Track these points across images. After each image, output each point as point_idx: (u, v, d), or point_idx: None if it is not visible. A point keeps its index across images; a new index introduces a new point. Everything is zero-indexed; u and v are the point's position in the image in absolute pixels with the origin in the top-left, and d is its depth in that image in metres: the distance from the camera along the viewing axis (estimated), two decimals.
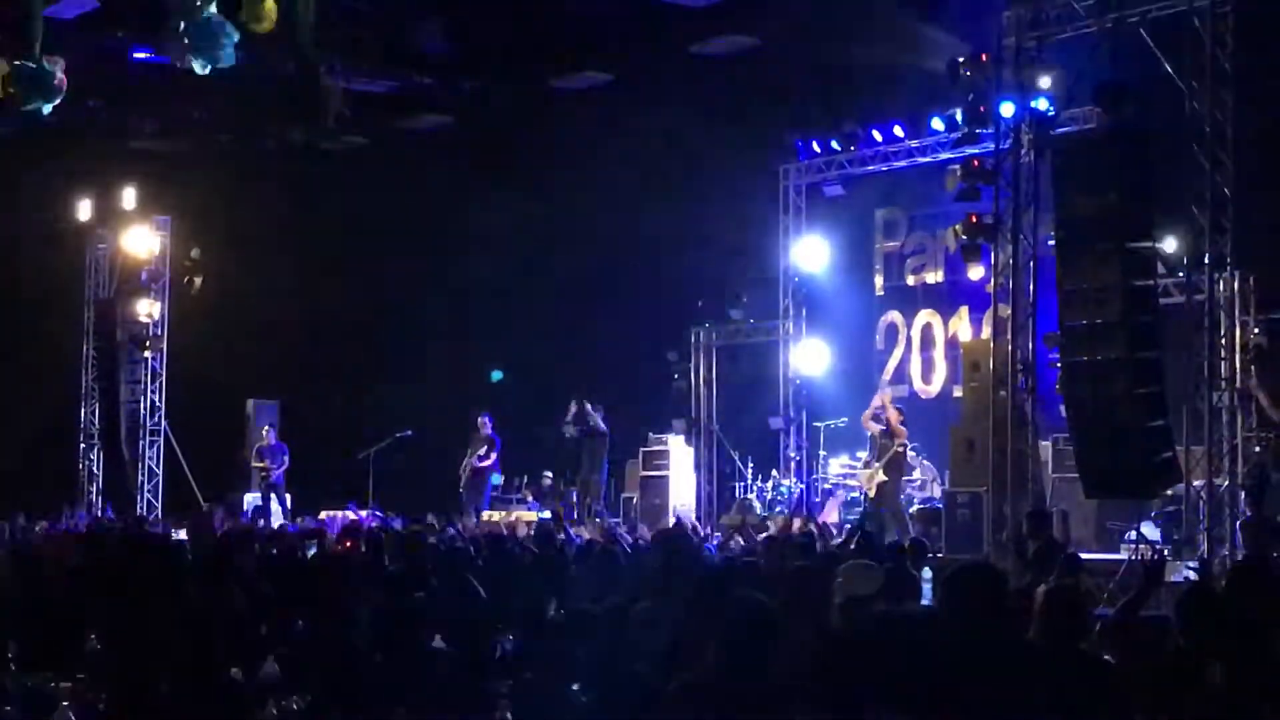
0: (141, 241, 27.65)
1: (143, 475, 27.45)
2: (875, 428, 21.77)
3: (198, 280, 27.13)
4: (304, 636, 10.08)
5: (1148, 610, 9.60)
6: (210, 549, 13.43)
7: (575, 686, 8.54)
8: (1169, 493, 17.66)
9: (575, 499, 25.85)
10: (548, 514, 24.23)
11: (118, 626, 10.65)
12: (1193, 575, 14.72)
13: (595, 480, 25.98)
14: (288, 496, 26.35)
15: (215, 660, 8.31)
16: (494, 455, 25.95)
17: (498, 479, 26.41)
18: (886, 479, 21.32)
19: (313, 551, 14.41)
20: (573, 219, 26.14)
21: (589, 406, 25.63)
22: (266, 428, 26.97)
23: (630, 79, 24.38)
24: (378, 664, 9.44)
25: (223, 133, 26.88)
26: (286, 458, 26.29)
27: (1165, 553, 16.67)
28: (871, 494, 21.62)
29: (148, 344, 27.50)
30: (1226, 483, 16.77)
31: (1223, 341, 17.25)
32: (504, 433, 26.30)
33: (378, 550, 14.18)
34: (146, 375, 27.85)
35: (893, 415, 21.63)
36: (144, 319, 27.59)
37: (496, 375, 27.48)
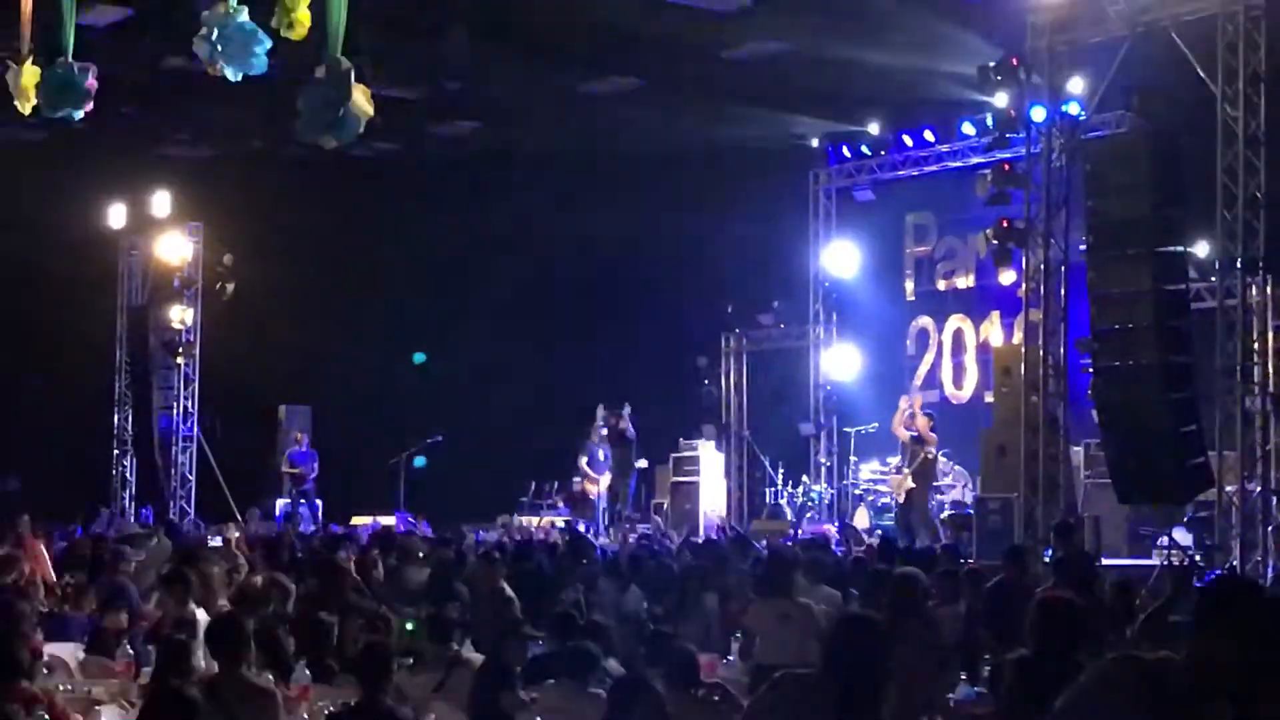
0: (174, 248, 27.74)
1: (175, 481, 27.54)
2: (905, 435, 21.74)
3: (230, 286, 27.23)
4: (335, 644, 10.11)
5: (1179, 616, 9.60)
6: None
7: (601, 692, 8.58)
8: (1201, 498, 17.58)
9: (604, 505, 25.85)
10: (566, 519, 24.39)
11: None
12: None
13: (624, 486, 25.99)
14: (319, 502, 26.41)
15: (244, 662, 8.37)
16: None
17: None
18: (915, 486, 21.31)
19: (345, 553, 14.44)
20: (602, 225, 26.15)
21: (618, 413, 25.63)
22: (299, 434, 27.04)
23: (660, 84, 24.36)
24: (409, 671, 9.47)
25: (254, 139, 26.95)
26: (316, 464, 26.35)
27: (1197, 558, 16.70)
28: (901, 500, 21.61)
29: (180, 350, 27.58)
30: (1259, 488, 16.69)
31: (1255, 345, 17.15)
32: (536, 439, 26.32)
33: (408, 558, 14.22)
34: (179, 381, 27.95)
35: (922, 422, 21.61)
36: (176, 325, 27.68)
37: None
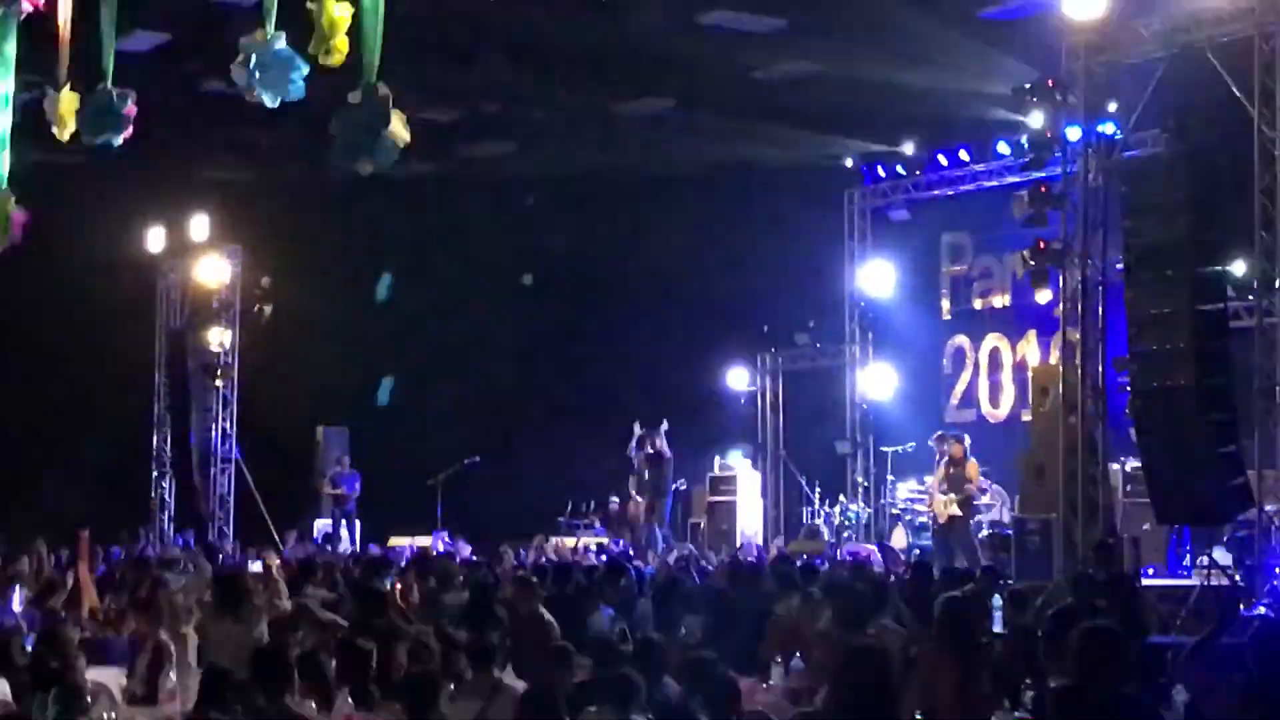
0: (212, 271, 27.88)
1: (214, 503, 27.65)
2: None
3: (268, 309, 27.36)
4: (376, 670, 10.12)
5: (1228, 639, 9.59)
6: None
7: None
8: (1241, 517, 17.50)
9: (641, 525, 25.87)
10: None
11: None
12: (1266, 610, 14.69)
13: (660, 505, 25.98)
14: (358, 524, 26.50)
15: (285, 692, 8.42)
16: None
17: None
18: (961, 514, 21.26)
19: (389, 579, 14.48)
20: (637, 245, 26.21)
21: (653, 431, 25.64)
22: (341, 455, 27.14)
23: (693, 104, 24.42)
24: (450, 696, 9.49)
25: (292, 162, 27.07)
26: (359, 485, 26.45)
27: (1238, 579, 16.63)
28: (943, 521, 21.56)
29: (219, 373, 27.71)
30: None
31: None
32: (573, 459, 26.38)
33: (447, 581, 14.24)
34: (218, 404, 28.08)
35: (972, 469, 21.54)
36: (215, 348, 27.80)
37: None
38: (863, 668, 6.81)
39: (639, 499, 25.73)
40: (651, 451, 25.66)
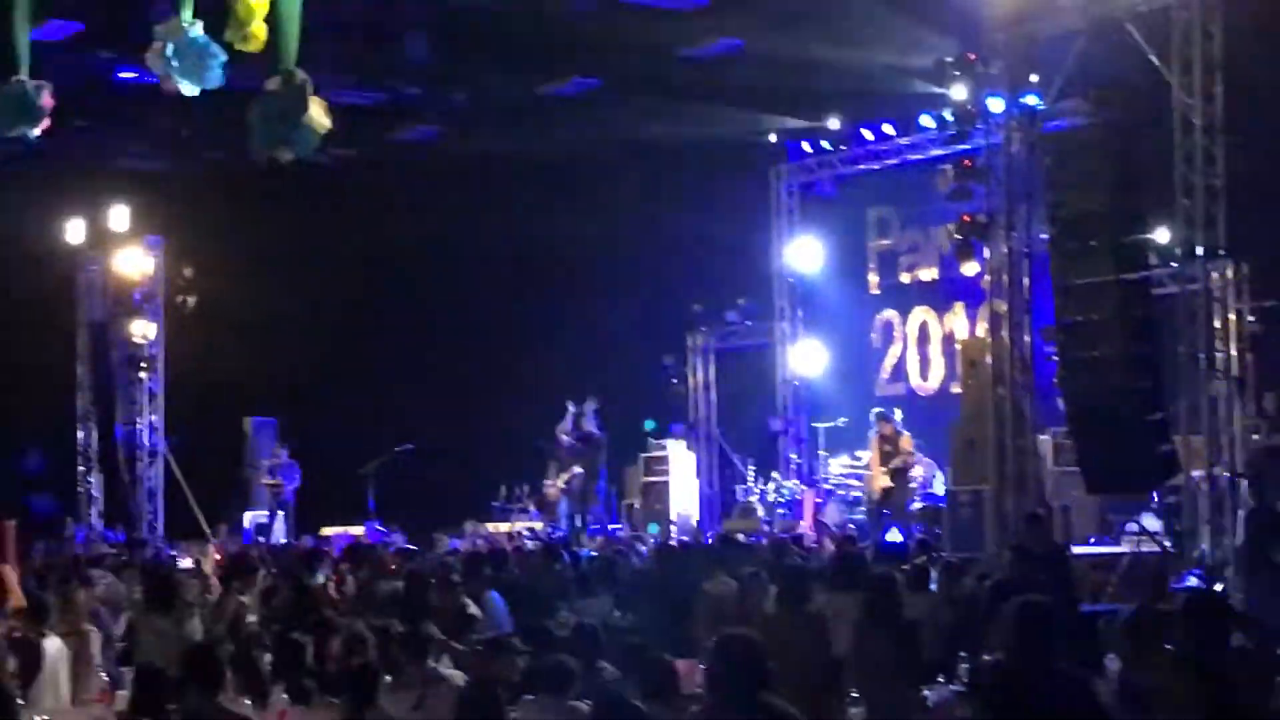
0: (134, 262, 27.56)
1: (142, 496, 27.39)
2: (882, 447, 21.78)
3: (191, 299, 27.07)
4: (312, 663, 10.03)
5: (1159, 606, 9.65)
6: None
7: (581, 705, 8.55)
8: (1169, 483, 17.65)
9: (575, 509, 25.81)
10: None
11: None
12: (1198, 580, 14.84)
13: (593, 487, 25.92)
14: (291, 515, 26.31)
15: (219, 688, 8.32)
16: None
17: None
18: (894, 485, 21.38)
19: (322, 573, 14.37)
20: (563, 226, 26.10)
21: (585, 411, 25.57)
22: (279, 447, 26.94)
23: (619, 84, 24.34)
24: (387, 688, 9.41)
25: (212, 150, 26.81)
26: (298, 476, 26.27)
27: (1168, 546, 16.78)
28: (875, 498, 21.67)
29: (143, 365, 27.42)
30: (1226, 473, 16.76)
31: (1218, 331, 17.20)
32: (506, 442, 26.28)
33: (380, 571, 14.15)
34: (144, 397, 27.79)
35: (905, 442, 21.66)
36: (139, 340, 27.50)
37: (650, 425, 27.24)
38: (735, 655, 6.81)
39: (556, 482, 25.73)
40: (583, 432, 25.58)
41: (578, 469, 25.41)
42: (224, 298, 26.98)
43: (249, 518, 26.86)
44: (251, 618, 12.38)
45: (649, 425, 26.88)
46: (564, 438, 25.64)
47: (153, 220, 27.72)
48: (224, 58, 9.16)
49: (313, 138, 8.85)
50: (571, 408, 25.62)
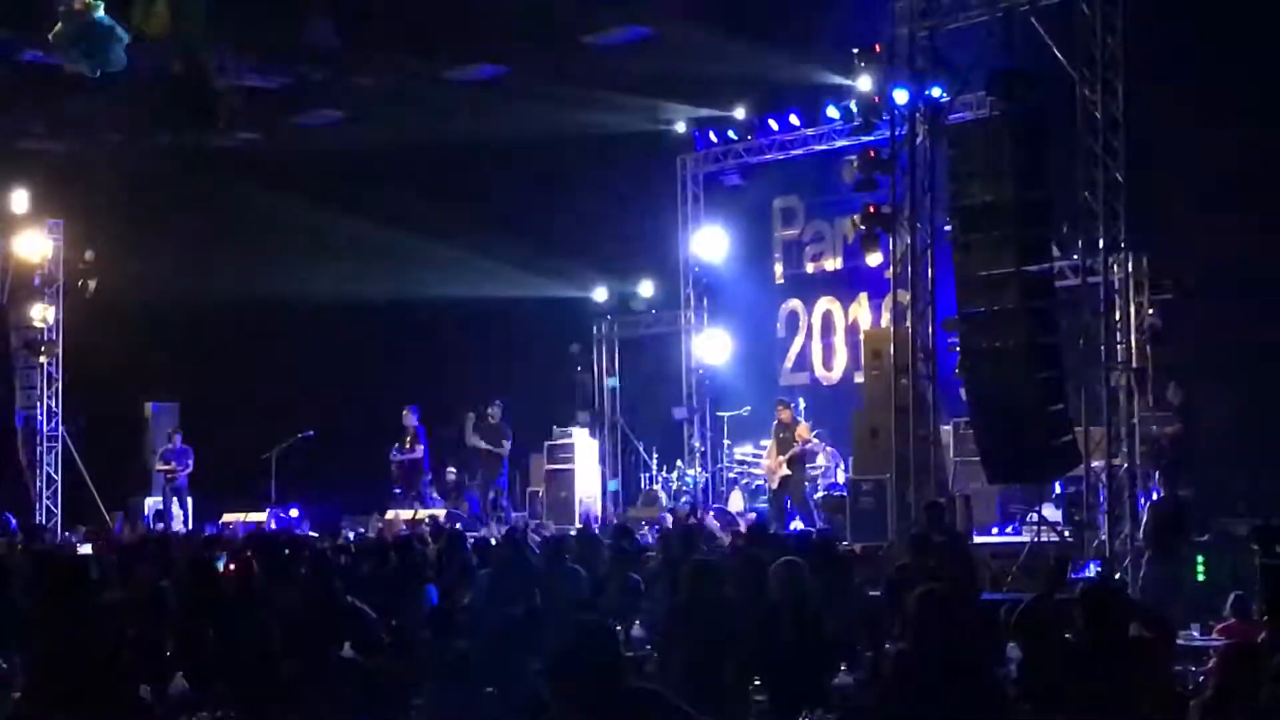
0: (33, 245, 27.12)
1: (41, 482, 27.02)
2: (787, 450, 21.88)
3: (92, 283, 26.72)
4: (214, 650, 9.96)
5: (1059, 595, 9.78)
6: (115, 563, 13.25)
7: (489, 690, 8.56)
8: (1069, 474, 17.86)
9: (480, 498, 25.79)
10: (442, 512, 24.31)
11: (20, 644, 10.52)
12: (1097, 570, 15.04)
13: (498, 477, 25.89)
14: (189, 500, 26.06)
15: (123, 679, 8.23)
16: (420, 447, 25.68)
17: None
18: (791, 473, 21.50)
19: (221, 560, 14.23)
20: (469, 214, 26.02)
21: (490, 415, 25.55)
22: (173, 430, 26.67)
23: (525, 71, 24.29)
24: (290, 675, 9.38)
25: (114, 133, 26.49)
26: (191, 461, 26.01)
27: (1067, 536, 17.00)
28: (775, 486, 21.79)
29: (42, 349, 27.04)
30: (1125, 463, 16.99)
31: (1118, 323, 17.41)
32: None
33: (285, 557, 14.04)
34: (42, 381, 27.40)
35: (802, 430, 21.79)
36: (38, 324, 27.10)
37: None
38: (587, 649, 6.81)
39: (453, 469, 25.86)
40: (488, 428, 25.55)
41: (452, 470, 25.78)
42: (125, 282, 26.68)
43: (149, 504, 26.58)
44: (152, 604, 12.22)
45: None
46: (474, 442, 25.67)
47: (53, 203, 27.31)
48: (127, 40, 9.08)
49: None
50: (472, 416, 25.58)
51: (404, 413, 25.86)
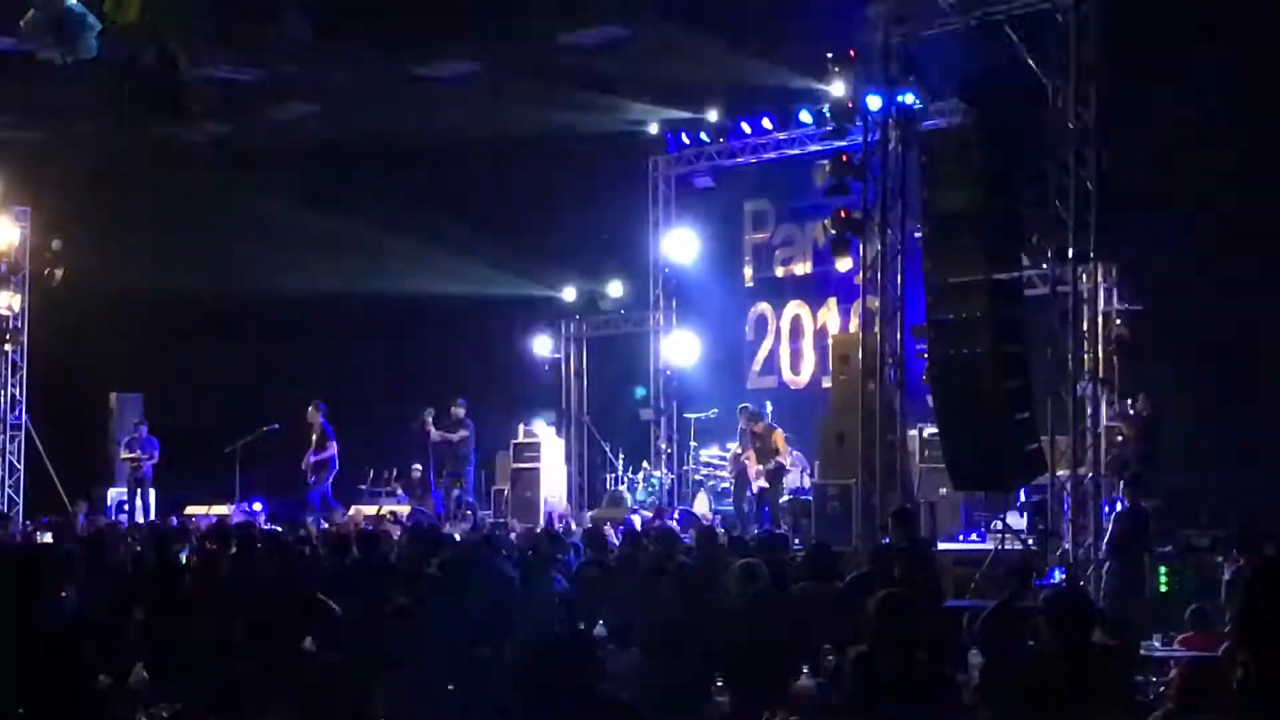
0: (0, 232, 27.01)
1: (3, 471, 26.87)
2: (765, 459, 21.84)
3: (59, 272, 26.56)
4: (175, 641, 9.91)
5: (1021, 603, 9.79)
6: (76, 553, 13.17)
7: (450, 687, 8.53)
8: (1034, 482, 17.90)
9: (444, 495, 25.72)
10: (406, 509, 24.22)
11: None
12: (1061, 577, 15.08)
13: (463, 474, 25.83)
14: (152, 492, 25.93)
15: (83, 668, 8.17)
16: (331, 445, 24.81)
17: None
18: (769, 486, 21.47)
19: (184, 553, 14.17)
20: (440, 211, 25.96)
21: (451, 409, 25.47)
22: (138, 421, 26.53)
23: (497, 68, 24.24)
24: (251, 668, 9.34)
25: (83, 121, 26.33)
26: (157, 452, 25.88)
27: (1031, 544, 17.04)
28: (754, 491, 21.72)
29: (7, 337, 26.86)
30: (1090, 472, 17.04)
31: (1086, 333, 17.46)
32: (377, 425, 26.08)
33: (248, 551, 13.97)
34: (6, 369, 27.24)
35: (779, 439, 21.72)
36: (3, 312, 26.92)
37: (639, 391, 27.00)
38: (562, 661, 6.80)
39: (418, 466, 25.79)
40: (452, 425, 25.48)
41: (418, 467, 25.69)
42: (92, 271, 26.54)
43: (112, 495, 26.45)
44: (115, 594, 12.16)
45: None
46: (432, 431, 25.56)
47: (20, 191, 27.16)
48: (99, 28, 9.03)
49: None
50: (431, 411, 25.45)
51: (310, 410, 24.93)
